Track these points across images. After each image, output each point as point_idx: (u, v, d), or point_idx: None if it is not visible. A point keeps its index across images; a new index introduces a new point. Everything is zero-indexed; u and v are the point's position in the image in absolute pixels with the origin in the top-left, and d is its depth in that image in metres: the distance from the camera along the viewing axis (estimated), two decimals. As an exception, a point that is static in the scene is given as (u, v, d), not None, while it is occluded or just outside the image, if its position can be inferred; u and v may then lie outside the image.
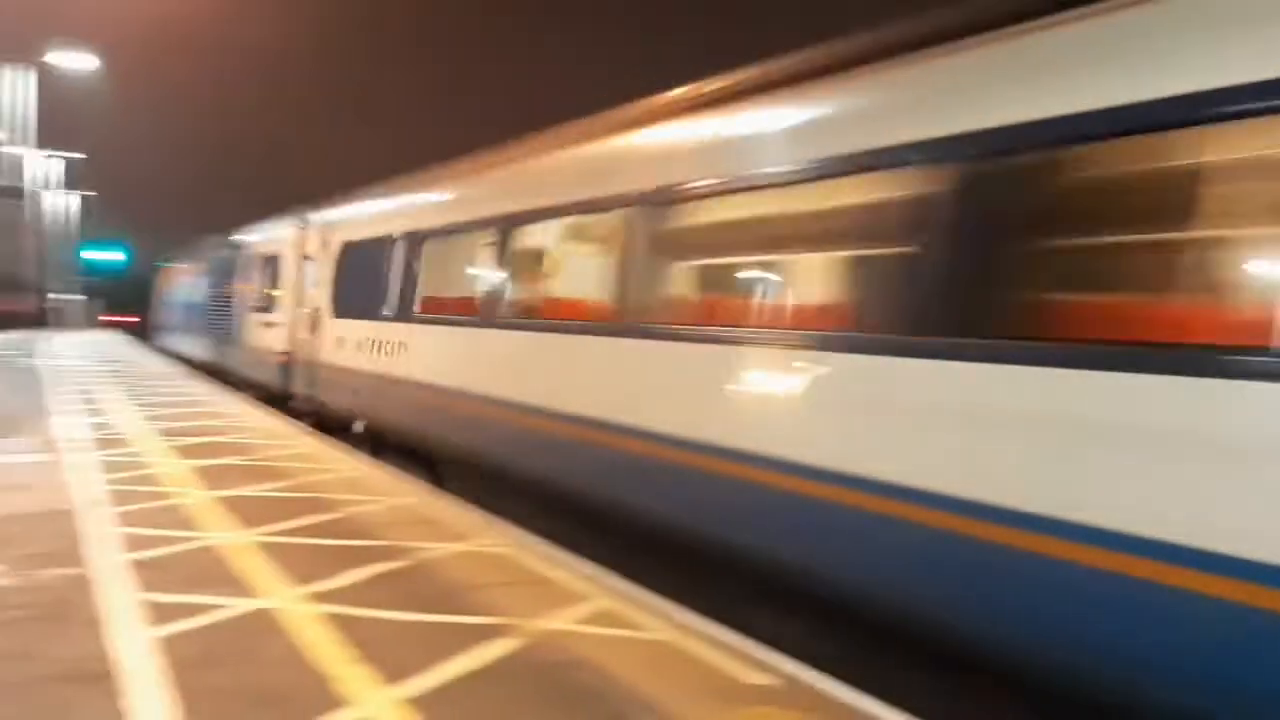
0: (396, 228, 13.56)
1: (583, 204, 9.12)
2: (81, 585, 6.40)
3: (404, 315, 12.90)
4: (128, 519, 8.27)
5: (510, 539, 8.12)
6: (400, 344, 12.82)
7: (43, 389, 20.00)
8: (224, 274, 23.67)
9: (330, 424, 15.38)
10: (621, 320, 8.11)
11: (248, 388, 20.60)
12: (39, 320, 47.88)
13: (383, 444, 13.61)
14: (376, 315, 13.67)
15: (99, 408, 16.79)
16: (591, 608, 6.27)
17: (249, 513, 8.66)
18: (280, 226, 19.56)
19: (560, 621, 5.94)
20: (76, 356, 32.10)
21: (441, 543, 7.83)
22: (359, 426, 14.47)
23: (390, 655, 5.28)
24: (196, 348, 27.83)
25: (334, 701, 4.66)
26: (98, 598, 6.13)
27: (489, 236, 10.53)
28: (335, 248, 15.82)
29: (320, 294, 16.24)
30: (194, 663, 5.08)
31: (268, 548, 7.49)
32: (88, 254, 70.35)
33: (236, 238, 23.22)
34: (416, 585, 6.65)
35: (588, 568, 7.28)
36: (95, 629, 5.55)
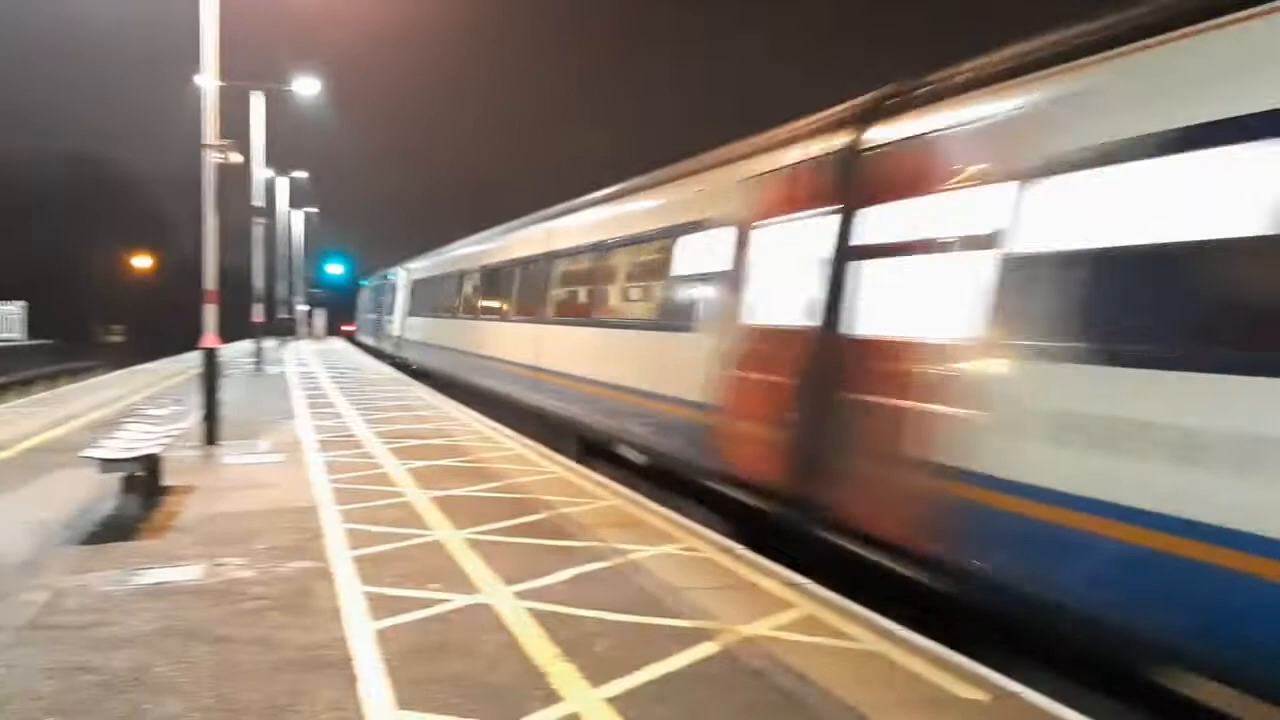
0: (423, 274, 32.14)
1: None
2: (317, 577, 6.87)
3: (422, 314, 31.00)
4: (357, 516, 8.82)
5: (715, 543, 8.15)
6: (421, 325, 30.77)
7: (282, 394, 21.60)
8: (380, 293, 45.52)
9: (411, 370, 30.77)
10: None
11: (384, 357, 39.00)
12: (287, 330, 52.36)
13: (423, 375, 28.17)
14: (417, 314, 32.02)
15: (330, 411, 17.99)
16: (796, 614, 6.21)
17: (465, 511, 9.06)
18: (396, 267, 39.66)
19: (764, 627, 5.91)
20: (312, 364, 34.49)
21: (647, 545, 7.95)
22: (414, 367, 30.79)
23: (596, 654, 5.41)
24: (369, 339, 49.34)
25: (545, 697, 4.81)
26: (331, 589, 6.57)
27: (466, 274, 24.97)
28: (410, 281, 34.73)
29: (405, 304, 35.35)
30: (419, 653, 5.36)
31: (482, 545, 7.82)
32: (331, 268, 75.93)
33: (384, 271, 46.01)
34: (622, 586, 6.78)
35: (793, 574, 7.20)
36: (330, 619, 5.95)
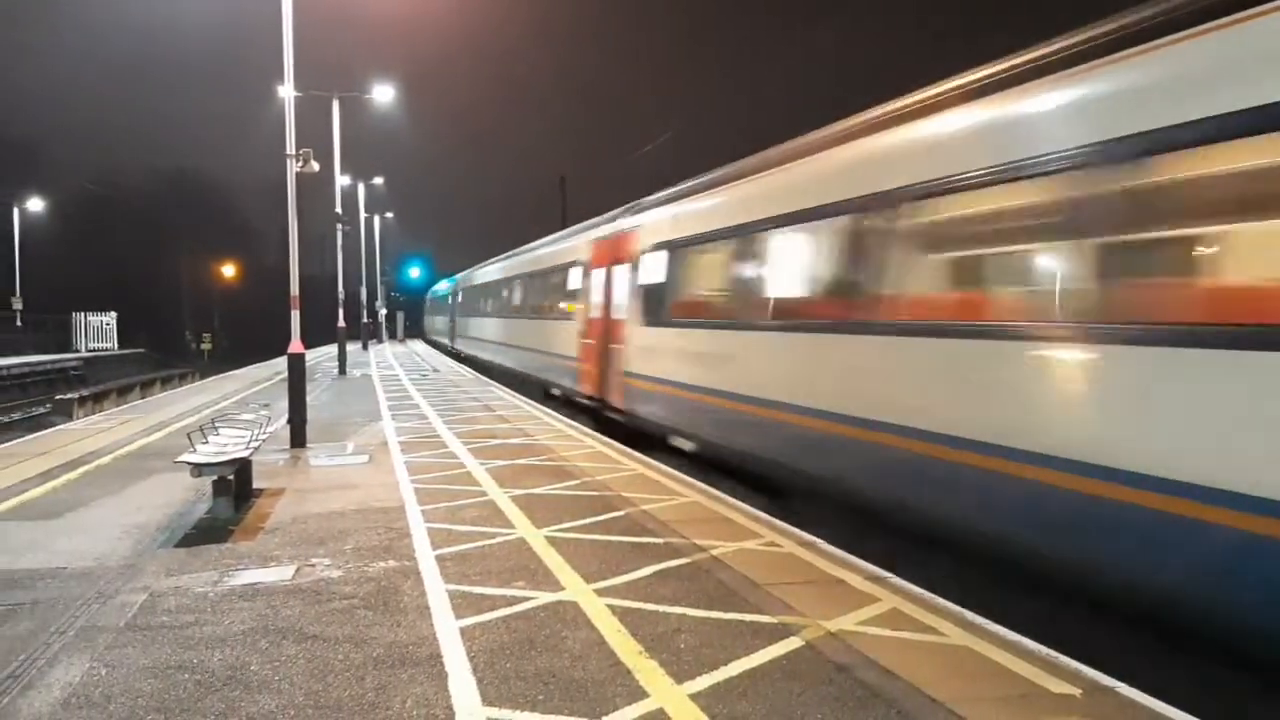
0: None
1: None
2: (404, 576, 6.98)
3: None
4: (441, 515, 8.95)
5: (797, 538, 8.09)
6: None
7: (366, 396, 22.00)
8: (438, 301, 51.04)
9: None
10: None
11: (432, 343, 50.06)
12: (369, 334, 53.63)
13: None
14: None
15: (413, 413, 18.27)
16: (881, 608, 6.13)
17: (546, 509, 9.13)
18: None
19: (848, 622, 5.84)
20: (395, 367, 35.06)
21: (728, 541, 7.92)
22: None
23: (679, 650, 5.40)
24: (434, 335, 54.04)
25: (630, 694, 4.82)
26: (418, 588, 6.67)
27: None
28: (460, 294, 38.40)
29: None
30: (504, 650, 5.41)
31: (563, 543, 7.86)
32: (412, 272, 77.63)
33: (442, 282, 56.74)
34: (704, 582, 6.76)
35: (877, 568, 7.11)
36: (418, 617, 6.04)
